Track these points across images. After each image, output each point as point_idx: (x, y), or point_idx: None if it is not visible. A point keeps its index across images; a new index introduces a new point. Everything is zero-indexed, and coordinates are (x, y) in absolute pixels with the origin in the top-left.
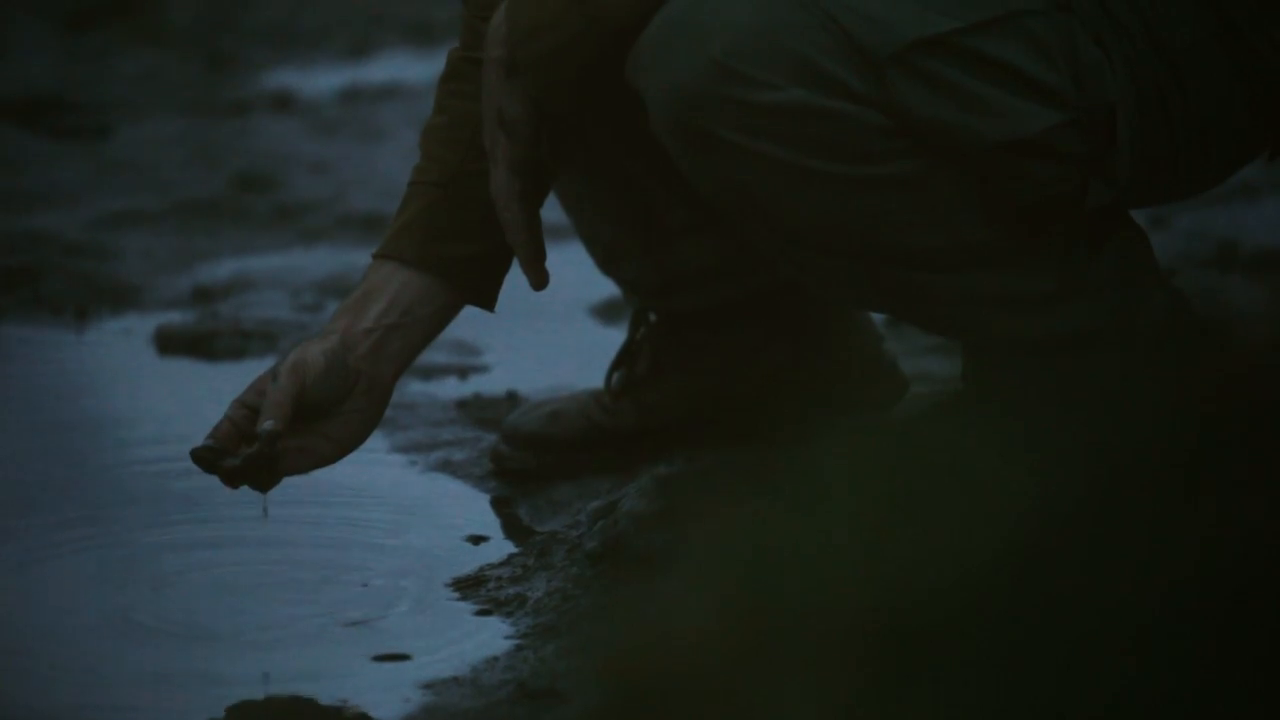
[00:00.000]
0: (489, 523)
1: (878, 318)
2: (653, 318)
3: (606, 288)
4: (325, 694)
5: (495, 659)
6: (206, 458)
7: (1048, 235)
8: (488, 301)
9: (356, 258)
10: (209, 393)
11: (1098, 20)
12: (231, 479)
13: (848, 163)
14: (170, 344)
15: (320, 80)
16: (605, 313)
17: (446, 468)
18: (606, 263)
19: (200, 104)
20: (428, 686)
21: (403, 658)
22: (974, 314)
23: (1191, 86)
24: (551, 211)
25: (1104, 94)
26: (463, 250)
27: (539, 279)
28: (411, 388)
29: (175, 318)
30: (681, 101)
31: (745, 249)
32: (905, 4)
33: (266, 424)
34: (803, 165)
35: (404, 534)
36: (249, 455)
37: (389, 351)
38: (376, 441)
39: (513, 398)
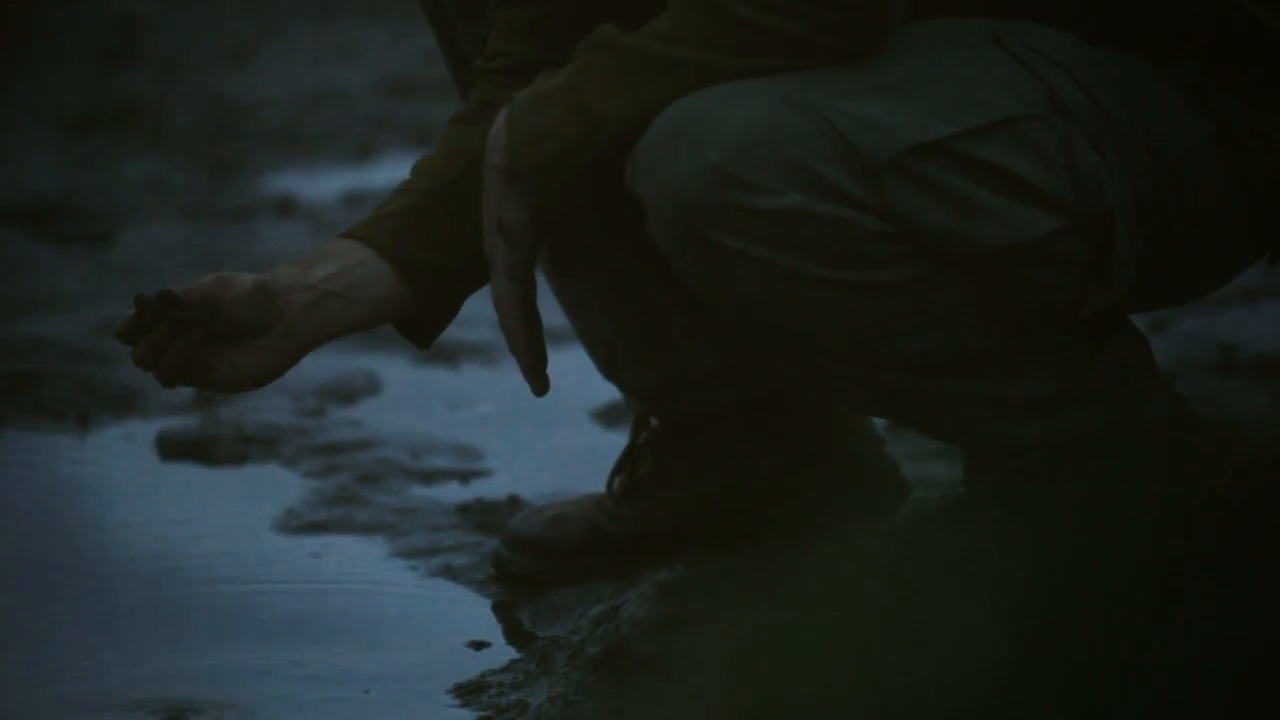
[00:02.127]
0: (490, 628)
1: (879, 421)
2: (654, 422)
3: (608, 391)
4: None
5: None
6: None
7: (1047, 340)
8: (428, 328)
9: (359, 362)
10: (211, 498)
11: (1096, 125)
12: (137, 326)
13: (846, 268)
14: (172, 449)
15: (323, 185)
16: (607, 416)
17: (448, 572)
18: (608, 366)
19: (203, 209)
20: None
21: None
22: (974, 418)
23: (1190, 192)
24: (552, 315)
25: (1103, 199)
26: (430, 257)
27: (540, 385)
28: (413, 491)
29: (177, 423)
30: (680, 206)
31: (746, 352)
32: (902, 109)
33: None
34: (801, 270)
35: (405, 639)
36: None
37: (319, 315)
38: (378, 546)
39: (514, 502)
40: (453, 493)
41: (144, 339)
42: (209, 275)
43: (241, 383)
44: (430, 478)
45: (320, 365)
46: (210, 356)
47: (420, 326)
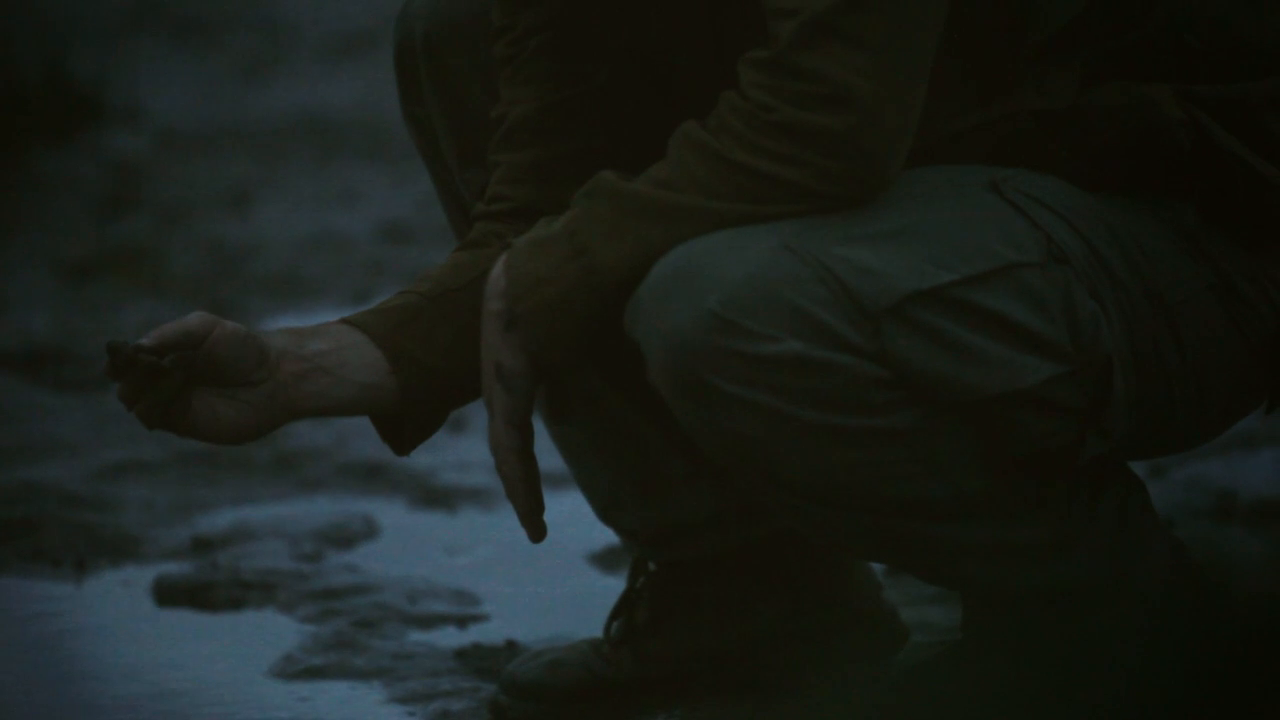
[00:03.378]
0: None
1: (877, 566)
2: (652, 567)
3: (606, 536)
4: None
5: None
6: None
7: (1046, 486)
8: (410, 433)
9: (357, 506)
10: (208, 643)
11: (1094, 273)
12: (120, 369)
13: (845, 414)
14: (169, 595)
15: None
16: (605, 561)
17: (445, 718)
18: (606, 511)
19: None
20: None
21: None
22: (972, 564)
23: (1188, 340)
24: (550, 458)
25: (1101, 347)
26: (423, 355)
27: (537, 532)
28: (410, 637)
29: (174, 568)
30: (679, 353)
31: (744, 498)
32: (900, 256)
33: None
34: (800, 417)
35: None
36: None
37: (306, 386)
38: (375, 691)
39: (512, 647)
40: (450, 638)
41: (124, 380)
42: (195, 312)
43: (219, 431)
44: (428, 623)
45: (317, 509)
46: (191, 400)
47: (402, 430)
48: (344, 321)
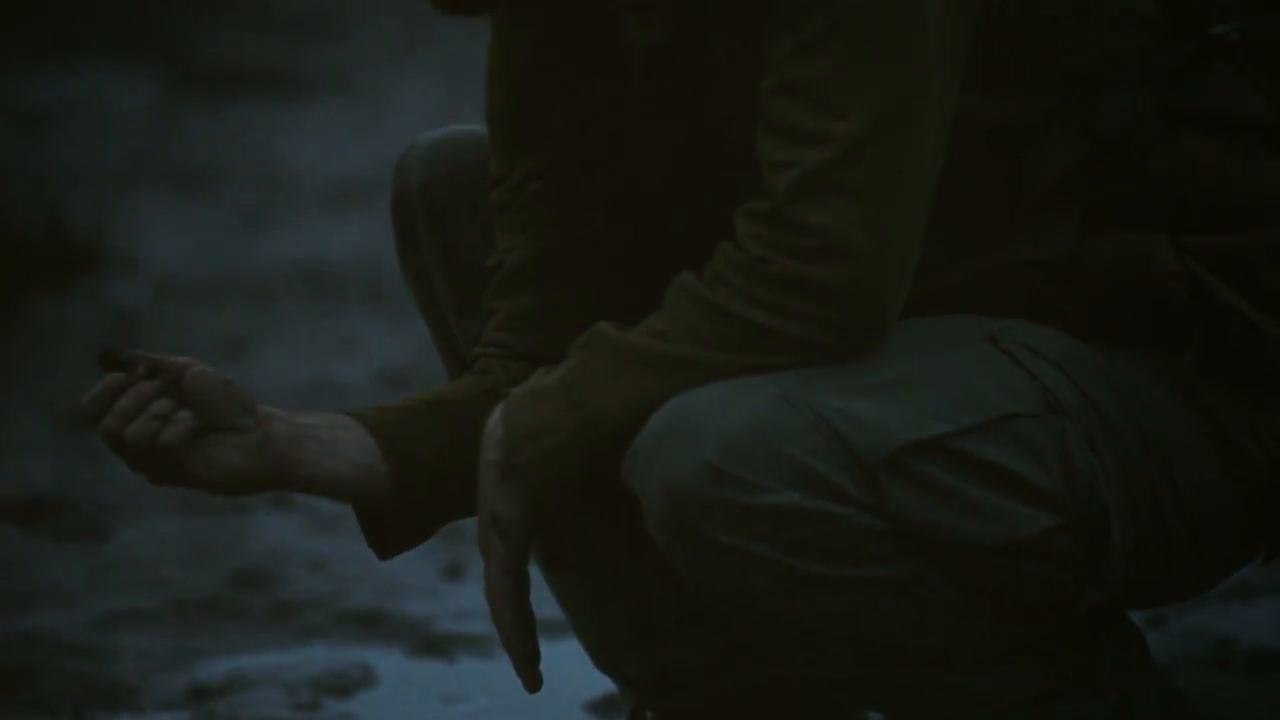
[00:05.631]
0: None
1: (875, 715)
2: (649, 715)
3: (603, 684)
4: None
5: None
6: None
7: (1044, 636)
8: (394, 535)
9: (354, 655)
10: None
11: (1090, 424)
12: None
13: (842, 565)
14: None
15: None
16: (602, 709)
17: None
18: (602, 659)
19: (199, 502)
20: None
21: None
22: (971, 714)
23: (1185, 490)
24: (546, 606)
25: (1098, 497)
26: (417, 450)
27: (533, 682)
28: None
29: (171, 718)
30: (676, 503)
31: (741, 646)
32: (897, 407)
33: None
34: (797, 567)
35: None
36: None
37: (296, 450)
38: None
39: None
40: None
41: (112, 407)
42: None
43: (212, 473)
44: None
45: (315, 658)
46: (183, 445)
47: (386, 530)
48: (339, 412)
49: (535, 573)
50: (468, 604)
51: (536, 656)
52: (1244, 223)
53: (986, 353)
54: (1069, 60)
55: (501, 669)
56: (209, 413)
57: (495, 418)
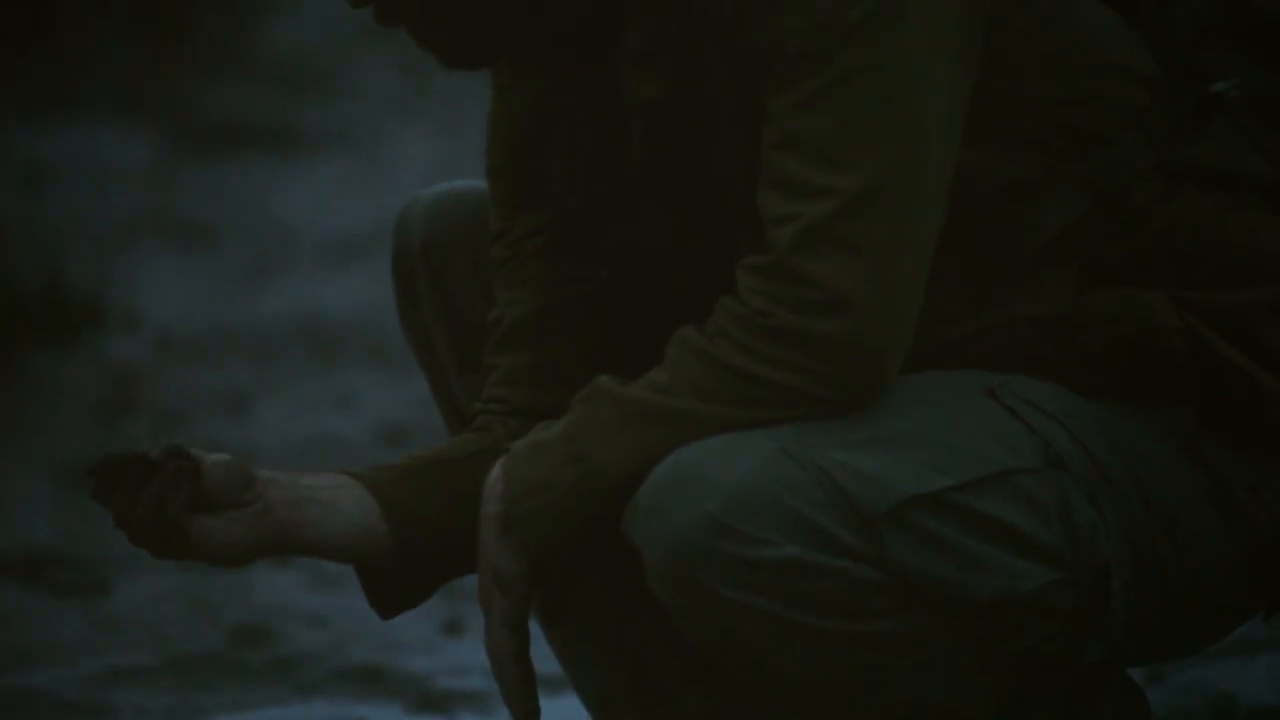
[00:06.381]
0: None
1: None
2: None
3: None
4: None
5: None
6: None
7: (1044, 691)
8: (394, 594)
9: (353, 711)
10: None
11: (1091, 479)
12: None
13: (843, 619)
14: None
15: None
16: None
17: None
18: (603, 715)
19: None
20: None
21: None
22: None
23: (1186, 546)
24: (546, 662)
25: (1098, 552)
26: (417, 507)
27: None
28: None
29: None
30: (677, 556)
31: (742, 701)
32: (898, 461)
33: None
34: (798, 621)
35: None
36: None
37: (296, 514)
38: None
39: None
40: None
41: (118, 495)
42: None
43: (211, 545)
44: None
45: (314, 714)
46: (184, 519)
47: (387, 588)
48: (339, 471)
49: (535, 628)
50: (467, 660)
51: (537, 712)
52: (1244, 279)
53: (988, 407)
54: (1069, 116)
55: None
56: (215, 500)
57: (496, 472)
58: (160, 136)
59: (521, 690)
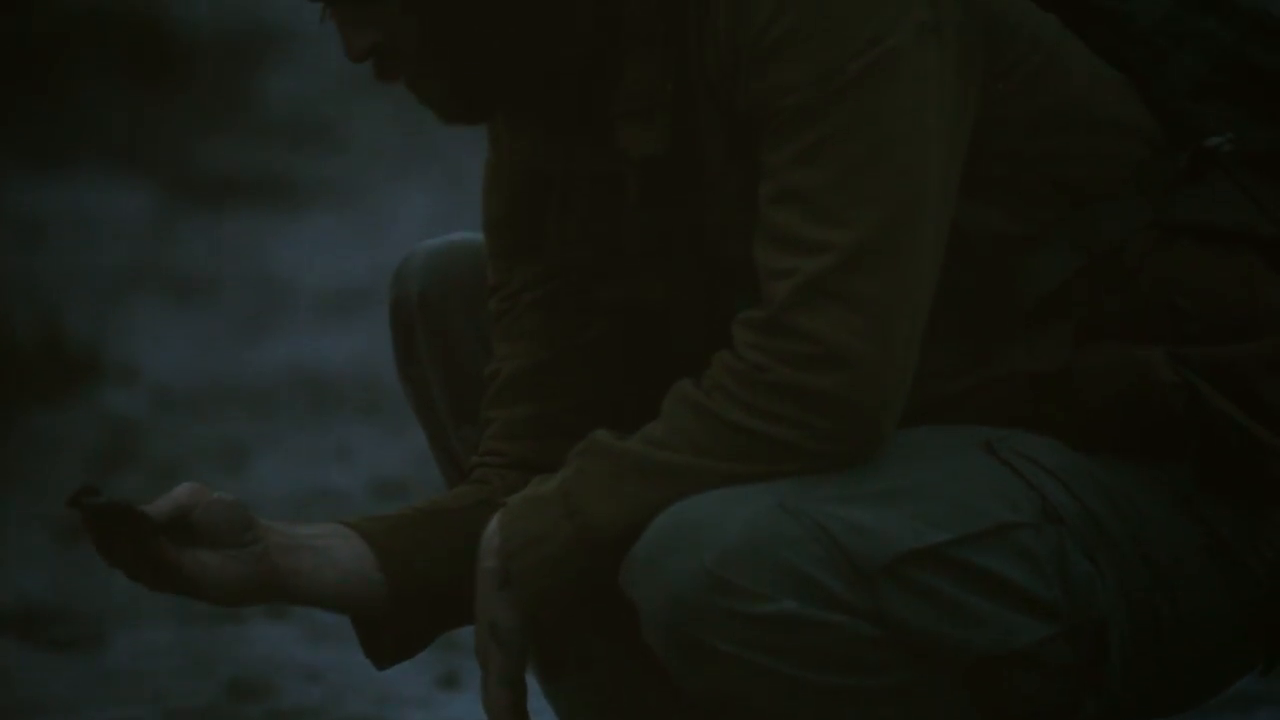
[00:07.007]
0: None
1: None
2: None
3: None
4: None
5: None
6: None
7: None
8: (390, 644)
9: None
10: None
11: (1088, 534)
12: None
13: (840, 674)
14: None
15: None
16: None
17: None
18: None
19: (195, 611)
20: None
21: None
22: None
23: (1183, 601)
24: (544, 716)
25: (1095, 607)
26: (413, 557)
27: None
28: None
29: None
30: (674, 611)
31: None
32: (895, 515)
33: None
34: (795, 676)
35: None
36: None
37: (293, 561)
38: None
39: None
40: None
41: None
42: (184, 483)
43: (205, 578)
44: None
45: None
46: (179, 554)
47: (383, 639)
48: (336, 522)
49: (532, 682)
50: (463, 714)
51: None
52: (1241, 334)
53: (985, 462)
54: (1064, 171)
55: None
56: (214, 539)
57: (493, 526)
58: (157, 189)
59: None
